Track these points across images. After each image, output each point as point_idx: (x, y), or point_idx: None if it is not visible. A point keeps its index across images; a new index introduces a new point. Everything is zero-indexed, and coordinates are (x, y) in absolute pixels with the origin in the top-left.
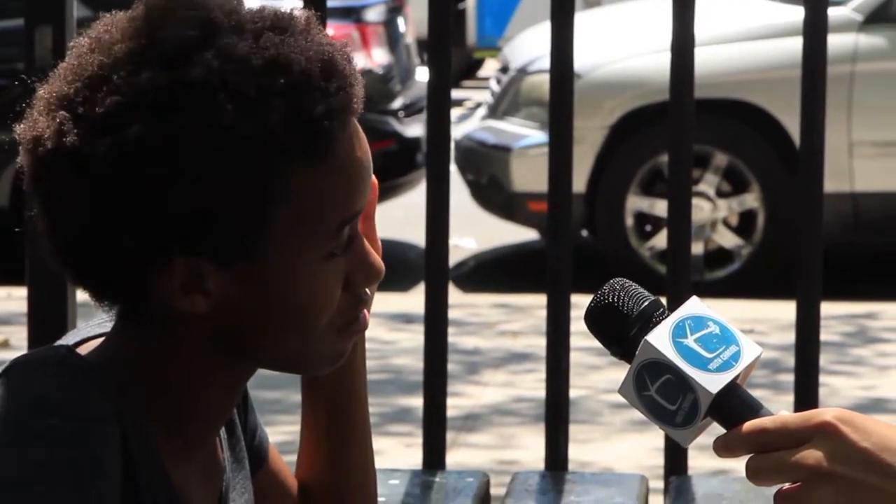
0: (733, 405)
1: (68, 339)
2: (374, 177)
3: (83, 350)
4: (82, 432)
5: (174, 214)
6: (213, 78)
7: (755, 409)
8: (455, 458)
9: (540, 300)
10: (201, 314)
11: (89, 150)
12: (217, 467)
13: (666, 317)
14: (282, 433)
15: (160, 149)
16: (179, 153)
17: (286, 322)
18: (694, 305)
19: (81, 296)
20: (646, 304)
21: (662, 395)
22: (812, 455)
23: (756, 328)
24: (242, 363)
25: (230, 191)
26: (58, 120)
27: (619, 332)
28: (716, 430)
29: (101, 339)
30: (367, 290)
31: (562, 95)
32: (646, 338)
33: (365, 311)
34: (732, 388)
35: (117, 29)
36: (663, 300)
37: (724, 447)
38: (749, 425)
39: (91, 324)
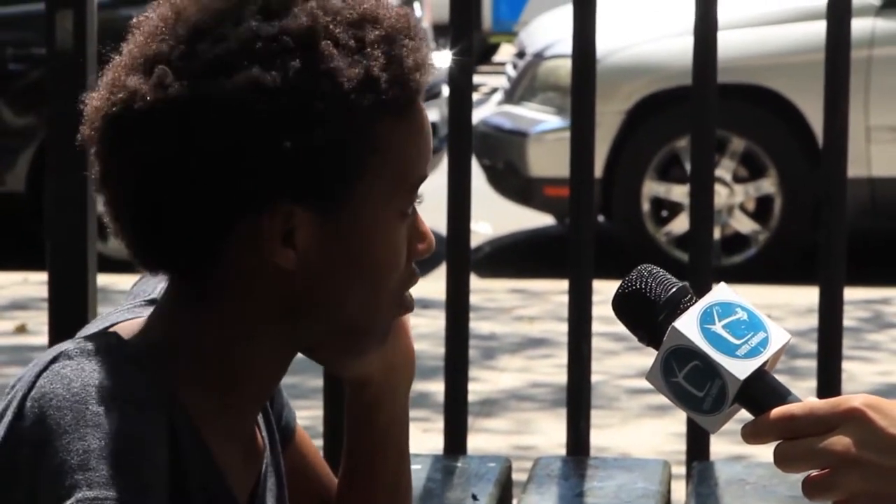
0: (761, 392)
1: (96, 326)
2: None
3: (125, 332)
4: (133, 420)
5: (285, 156)
6: (318, 26)
7: (783, 396)
8: (473, 443)
9: (556, 285)
10: (287, 270)
11: (201, 94)
12: (257, 448)
13: (694, 303)
14: (301, 418)
15: (275, 90)
16: (292, 95)
17: (361, 279)
18: (722, 291)
19: (102, 280)
20: (674, 290)
21: (690, 381)
22: (840, 441)
23: (773, 313)
24: (300, 333)
25: (338, 134)
26: (156, 74)
27: (647, 318)
28: (741, 416)
29: (133, 323)
30: (420, 258)
31: (583, 79)
32: (673, 324)
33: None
34: (760, 375)
35: None
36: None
37: (752, 434)
38: (777, 412)
39: (118, 309)
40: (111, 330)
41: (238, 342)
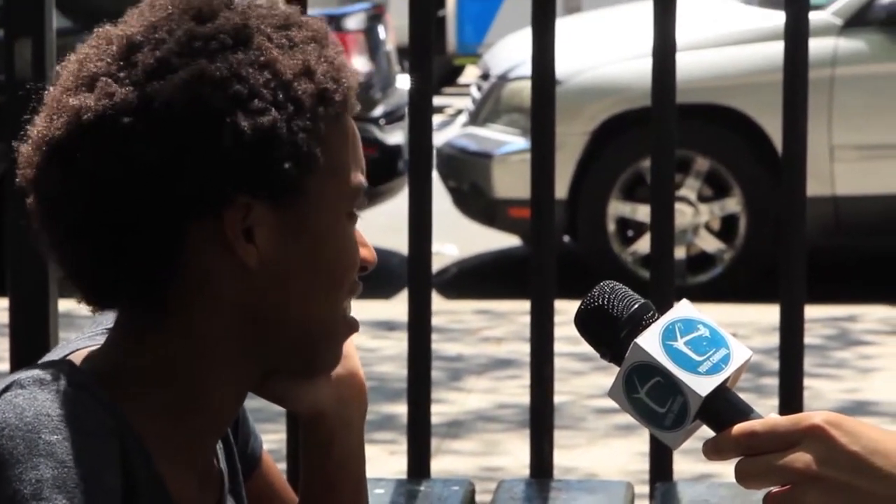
0: (722, 408)
1: (58, 353)
2: None
3: (80, 361)
4: (85, 448)
5: (238, 147)
6: (250, 24)
7: (745, 413)
8: (440, 465)
9: (522, 306)
10: (244, 274)
11: (147, 94)
12: (214, 476)
13: (656, 320)
14: (266, 441)
15: (222, 80)
16: (239, 85)
17: (318, 279)
18: (684, 308)
19: (63, 306)
20: (636, 306)
21: (652, 397)
22: (801, 458)
23: (739, 332)
24: (256, 353)
25: (286, 121)
26: (99, 87)
27: (609, 334)
28: (704, 433)
29: (90, 350)
30: (362, 270)
31: (543, 101)
32: (635, 340)
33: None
34: (722, 392)
35: (131, 18)
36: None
37: (713, 450)
38: (738, 428)
39: (79, 336)
40: (66, 358)
41: (193, 366)
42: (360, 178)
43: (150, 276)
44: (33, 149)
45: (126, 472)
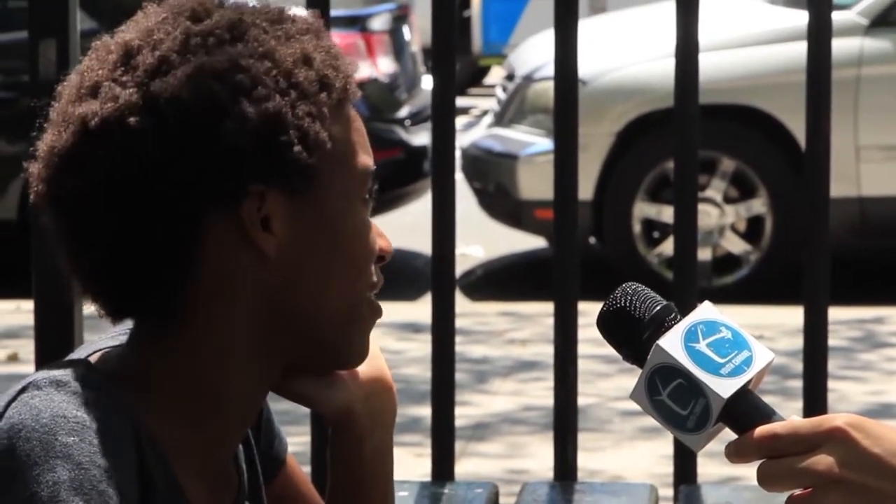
0: (745, 410)
1: (80, 353)
2: None
3: (98, 362)
4: (102, 450)
5: (248, 136)
6: (245, 17)
7: (767, 415)
8: (465, 467)
9: (548, 308)
10: (263, 264)
11: (152, 93)
12: (232, 480)
13: (678, 321)
14: (292, 444)
15: (223, 71)
16: (241, 75)
17: (338, 266)
18: (706, 310)
19: (88, 309)
20: (658, 308)
21: (674, 399)
22: (823, 461)
23: (765, 334)
24: (277, 349)
25: (297, 107)
26: (102, 91)
27: (631, 336)
28: (726, 436)
29: (112, 351)
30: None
31: (567, 102)
32: (657, 342)
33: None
34: (744, 394)
35: (128, 27)
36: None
37: (735, 452)
38: (760, 431)
39: (103, 337)
40: (84, 358)
41: (212, 369)
42: (368, 161)
43: (169, 277)
44: (43, 164)
45: (142, 475)
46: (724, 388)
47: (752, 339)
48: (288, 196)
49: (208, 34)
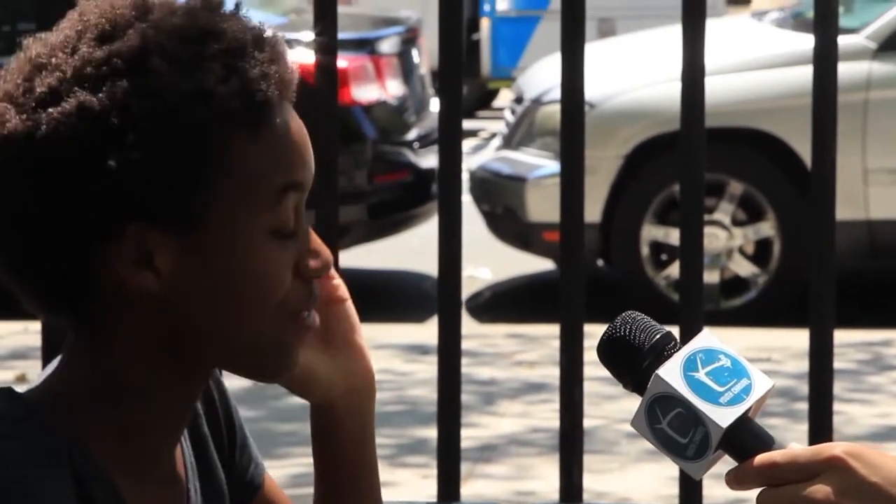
0: (744, 438)
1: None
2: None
3: (35, 387)
4: (35, 481)
5: (121, 179)
6: (149, 45)
7: (766, 443)
8: (472, 489)
9: (555, 330)
10: (152, 295)
11: (31, 125)
12: (178, 497)
13: (677, 350)
14: (297, 465)
15: (102, 114)
16: (121, 115)
17: (236, 300)
18: (705, 338)
19: None
20: (657, 337)
21: (674, 428)
22: (821, 489)
23: (772, 356)
24: (190, 361)
25: (172, 152)
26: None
27: (631, 364)
28: (730, 459)
29: (50, 371)
30: (315, 283)
31: (573, 125)
32: (657, 372)
33: (314, 312)
34: (743, 422)
35: (55, 29)
36: (676, 331)
37: (735, 480)
38: (759, 459)
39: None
40: (6, 388)
41: (129, 379)
42: (287, 178)
43: (72, 295)
44: None
45: (80, 496)
46: (723, 417)
47: (751, 367)
48: (175, 236)
49: (103, 63)
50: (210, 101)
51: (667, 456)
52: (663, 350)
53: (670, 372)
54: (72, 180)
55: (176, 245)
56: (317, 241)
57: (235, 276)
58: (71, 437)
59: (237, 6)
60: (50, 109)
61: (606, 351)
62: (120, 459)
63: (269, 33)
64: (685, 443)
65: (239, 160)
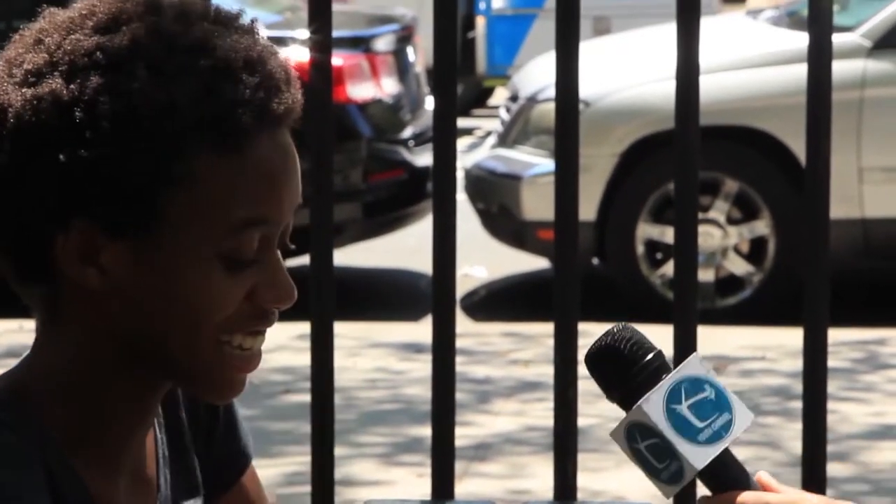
0: (719, 471)
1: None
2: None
3: (7, 376)
4: (7, 472)
5: (74, 171)
6: (137, 47)
7: (740, 479)
8: (467, 487)
9: (550, 328)
10: (97, 292)
11: (5, 102)
12: (147, 487)
13: (665, 370)
14: (293, 464)
15: (69, 104)
16: (86, 111)
17: (174, 315)
18: (693, 366)
19: None
20: (649, 356)
21: (651, 453)
22: None
23: (767, 355)
24: (143, 367)
25: (129, 158)
26: None
27: (619, 381)
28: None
29: (24, 360)
30: (273, 310)
31: (568, 123)
32: (640, 404)
33: (254, 351)
34: (720, 456)
35: (72, 5)
36: (669, 331)
37: None
38: (728, 499)
39: None
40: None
41: (85, 373)
42: (252, 214)
43: (32, 281)
44: None
45: (52, 487)
46: (699, 457)
47: (734, 400)
48: (126, 240)
49: (88, 54)
50: (177, 115)
51: (641, 471)
52: (651, 370)
53: (653, 405)
54: (27, 163)
55: (122, 247)
56: (282, 278)
57: (175, 292)
58: (40, 432)
59: (252, 22)
60: (25, 89)
61: (595, 363)
62: (85, 452)
63: (273, 61)
64: (660, 468)
65: (199, 179)
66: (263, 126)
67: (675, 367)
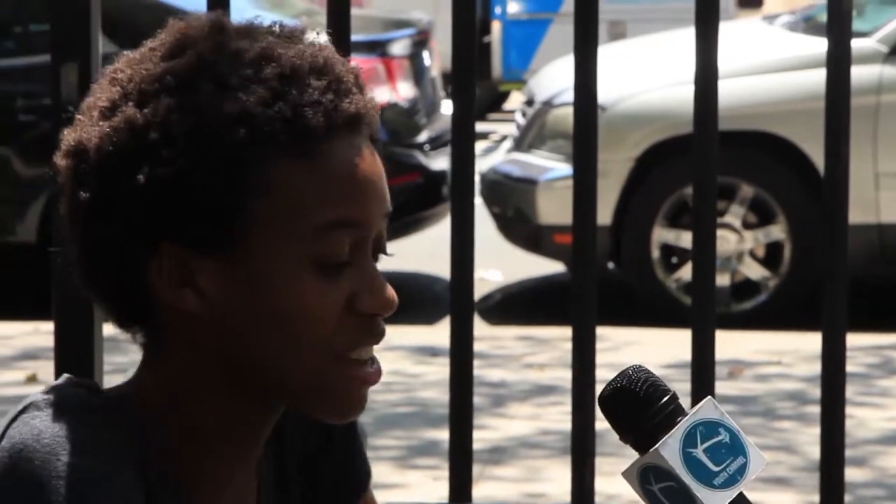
0: None
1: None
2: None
3: (116, 387)
4: (103, 471)
5: (155, 192)
6: (202, 65)
7: None
8: (482, 491)
9: (566, 332)
10: (197, 315)
11: (85, 138)
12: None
13: (680, 415)
14: None
15: (143, 127)
16: (160, 131)
17: (275, 330)
18: (708, 409)
19: (108, 330)
20: (664, 399)
21: (665, 495)
22: None
23: (782, 359)
24: (250, 391)
25: (206, 171)
26: (76, 122)
27: (635, 423)
28: None
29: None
30: (378, 319)
31: (586, 127)
32: (657, 448)
33: (374, 364)
34: (734, 500)
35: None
36: (687, 336)
37: None
38: None
39: None
40: (91, 381)
41: (188, 395)
42: (336, 215)
43: (128, 307)
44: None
45: (147, 494)
46: (715, 502)
47: (748, 442)
48: (217, 259)
49: (157, 79)
50: (250, 123)
51: None
52: (668, 413)
53: (670, 448)
54: (112, 194)
55: (217, 267)
56: (379, 283)
57: (274, 304)
58: (140, 439)
59: (317, 34)
60: (102, 123)
61: (610, 404)
62: (186, 470)
63: (342, 67)
64: None
65: (280, 185)
66: (336, 128)
67: (694, 396)
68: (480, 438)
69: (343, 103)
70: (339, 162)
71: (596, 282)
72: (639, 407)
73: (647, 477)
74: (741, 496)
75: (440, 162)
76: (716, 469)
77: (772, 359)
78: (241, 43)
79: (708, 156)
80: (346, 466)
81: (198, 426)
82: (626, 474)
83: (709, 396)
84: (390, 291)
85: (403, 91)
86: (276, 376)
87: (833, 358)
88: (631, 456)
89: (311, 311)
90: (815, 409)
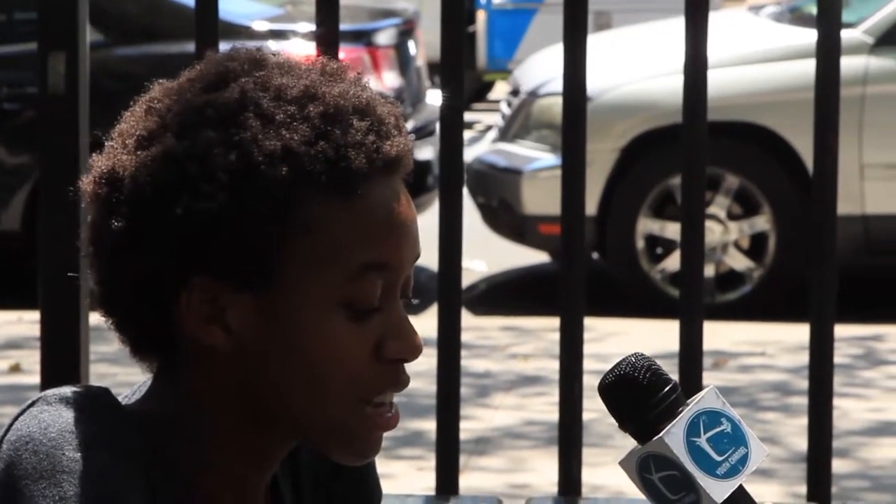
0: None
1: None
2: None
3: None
4: (109, 468)
5: (192, 225)
6: (246, 100)
7: None
8: (467, 481)
9: (550, 323)
10: (220, 351)
11: (124, 164)
12: None
13: (681, 404)
14: None
15: (183, 159)
16: (200, 164)
17: (301, 369)
18: (710, 398)
19: (94, 320)
20: (666, 389)
21: (665, 485)
22: None
23: (766, 350)
24: (269, 425)
25: (245, 207)
26: (106, 149)
27: (637, 413)
28: None
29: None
30: (402, 366)
31: (574, 117)
32: (662, 436)
33: (393, 408)
34: (735, 490)
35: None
36: (675, 326)
37: None
38: None
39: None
40: (101, 386)
41: (204, 424)
42: (374, 256)
43: (145, 335)
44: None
45: (153, 494)
46: (719, 492)
47: (749, 434)
48: (250, 295)
49: (198, 111)
50: (290, 161)
51: (649, 500)
52: (670, 402)
53: (675, 437)
54: (145, 224)
55: (249, 303)
56: (407, 328)
57: (302, 344)
58: (153, 445)
59: (359, 73)
60: (140, 152)
61: (611, 392)
62: (194, 486)
63: (383, 108)
64: (673, 499)
65: (319, 225)
66: (377, 169)
67: (682, 386)
68: (465, 429)
69: (384, 146)
70: (377, 204)
71: (584, 273)
72: (641, 395)
73: (648, 466)
74: (741, 487)
75: (425, 152)
76: (718, 459)
77: (756, 349)
78: (284, 79)
79: (697, 146)
80: (360, 489)
81: (210, 453)
82: (623, 464)
83: (711, 385)
84: (417, 338)
85: (389, 81)
86: (297, 415)
87: (821, 350)
88: (615, 446)
89: (338, 354)
90: (799, 400)
